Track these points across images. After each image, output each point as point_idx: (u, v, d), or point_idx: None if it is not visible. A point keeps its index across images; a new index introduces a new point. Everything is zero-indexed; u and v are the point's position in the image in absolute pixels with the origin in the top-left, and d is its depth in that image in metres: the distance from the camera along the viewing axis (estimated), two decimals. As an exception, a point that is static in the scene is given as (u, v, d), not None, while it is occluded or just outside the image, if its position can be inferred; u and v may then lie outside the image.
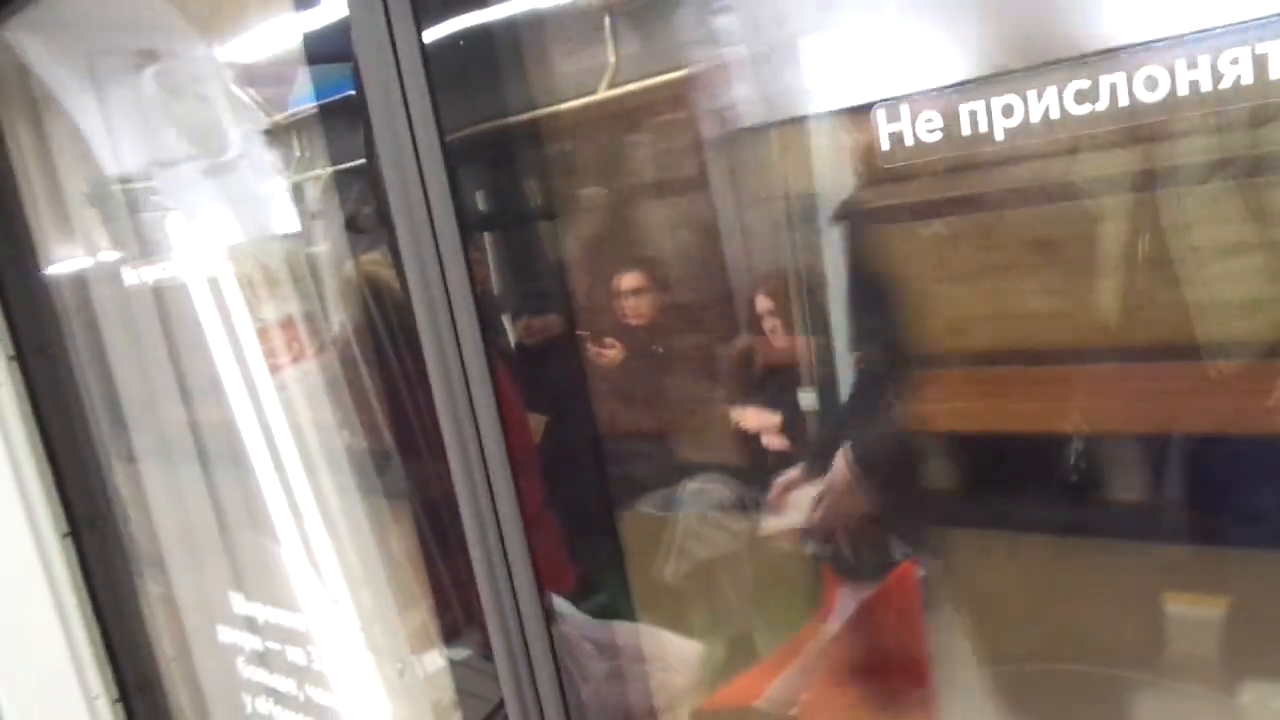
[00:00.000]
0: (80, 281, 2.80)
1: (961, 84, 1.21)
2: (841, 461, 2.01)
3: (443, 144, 1.32)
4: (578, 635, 1.81)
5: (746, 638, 2.23)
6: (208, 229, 2.47)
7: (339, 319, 2.62)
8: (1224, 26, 1.04)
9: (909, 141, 1.23)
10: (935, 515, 2.14)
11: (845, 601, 2.05)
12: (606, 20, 2.10)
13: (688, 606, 2.29)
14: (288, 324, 2.69)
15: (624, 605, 1.94)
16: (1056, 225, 1.92)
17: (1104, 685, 1.89)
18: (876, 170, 1.50)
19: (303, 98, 2.49)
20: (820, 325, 2.15)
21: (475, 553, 1.48)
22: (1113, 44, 1.12)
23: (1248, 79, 1.03)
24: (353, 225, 2.78)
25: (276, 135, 2.60)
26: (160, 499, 2.82)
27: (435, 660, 2.42)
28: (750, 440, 2.35)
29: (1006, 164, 1.50)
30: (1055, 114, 1.15)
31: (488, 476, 1.42)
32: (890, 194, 1.79)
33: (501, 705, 1.56)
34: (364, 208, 2.50)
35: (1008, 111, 1.18)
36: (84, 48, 2.61)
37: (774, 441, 2.31)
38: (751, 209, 2.11)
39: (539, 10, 1.68)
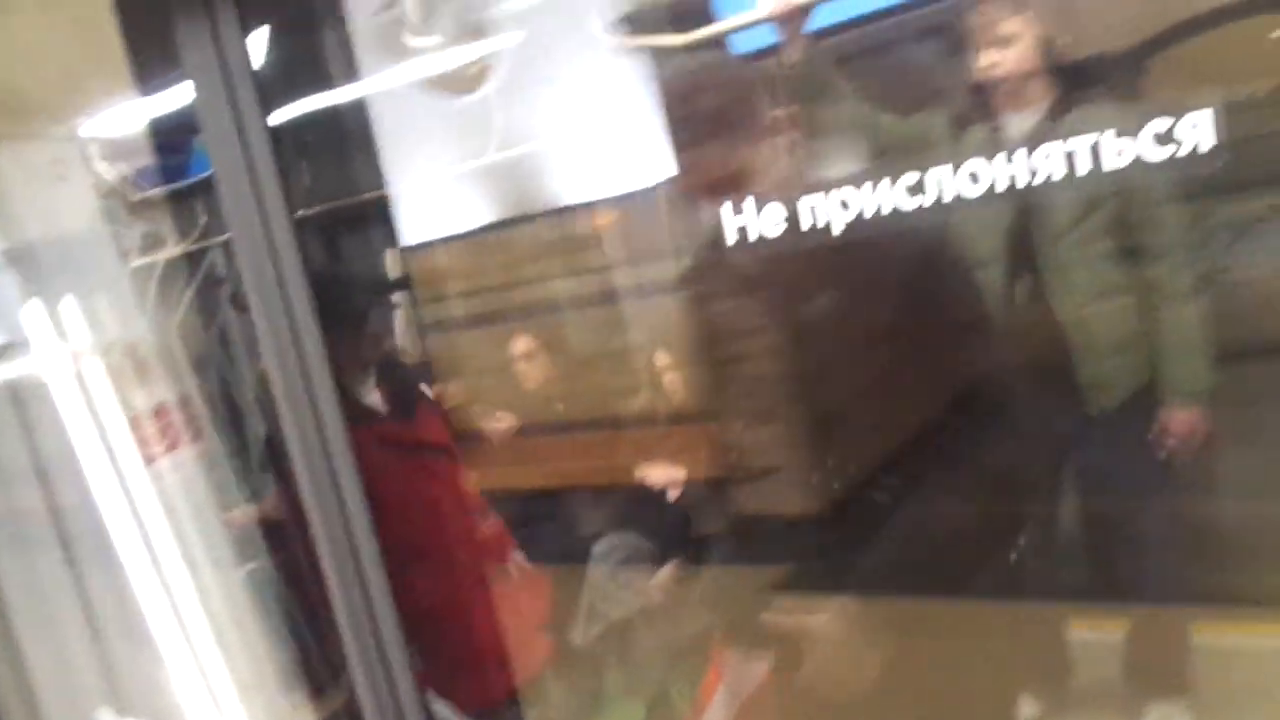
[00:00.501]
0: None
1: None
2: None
3: (291, 219, 1.30)
4: None
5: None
6: (68, 314, 2.36)
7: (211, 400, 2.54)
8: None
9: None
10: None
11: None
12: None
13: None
14: (161, 411, 2.58)
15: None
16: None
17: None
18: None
19: (161, 176, 2.44)
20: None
21: (351, 649, 1.43)
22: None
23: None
24: (235, 302, 2.72)
25: (140, 213, 2.53)
26: (21, 605, 2.65)
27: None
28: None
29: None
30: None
31: (357, 560, 1.37)
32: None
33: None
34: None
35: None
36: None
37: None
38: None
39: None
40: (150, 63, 1.59)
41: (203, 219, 2.59)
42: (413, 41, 2.42)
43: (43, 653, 2.65)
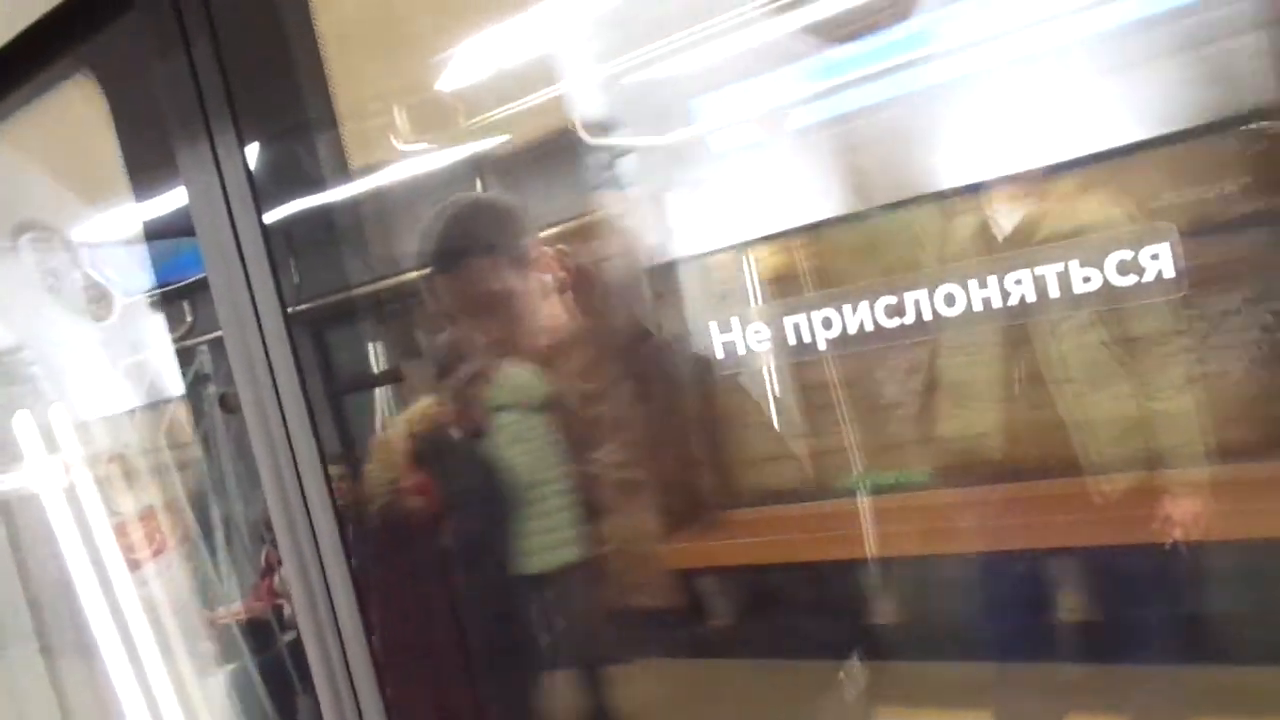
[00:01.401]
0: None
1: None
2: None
3: (285, 318, 1.32)
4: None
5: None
6: (58, 423, 2.36)
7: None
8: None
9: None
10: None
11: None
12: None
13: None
14: (147, 515, 2.56)
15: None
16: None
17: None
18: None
19: (156, 277, 2.47)
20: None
21: None
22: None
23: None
24: (224, 404, 2.72)
25: (129, 315, 2.55)
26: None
27: None
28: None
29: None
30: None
31: (345, 659, 1.35)
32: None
33: None
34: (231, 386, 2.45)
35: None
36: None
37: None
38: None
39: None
40: (144, 172, 1.64)
41: (189, 320, 2.62)
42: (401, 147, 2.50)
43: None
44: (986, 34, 1.99)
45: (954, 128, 2.06)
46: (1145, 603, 2.13)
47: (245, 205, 1.33)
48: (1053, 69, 1.94)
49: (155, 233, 1.88)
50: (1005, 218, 1.98)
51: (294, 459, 1.33)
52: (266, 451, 1.35)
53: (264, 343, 1.33)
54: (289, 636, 2.58)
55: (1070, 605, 2.25)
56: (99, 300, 2.69)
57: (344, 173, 1.44)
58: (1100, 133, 2.00)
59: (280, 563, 2.70)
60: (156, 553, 2.54)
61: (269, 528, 2.72)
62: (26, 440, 2.28)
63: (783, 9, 1.98)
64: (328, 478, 1.31)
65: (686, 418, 1.54)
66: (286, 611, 2.64)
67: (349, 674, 1.34)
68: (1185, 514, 2.02)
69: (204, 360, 2.78)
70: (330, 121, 1.39)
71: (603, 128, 2.44)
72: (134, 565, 2.42)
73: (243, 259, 1.34)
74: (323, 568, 1.33)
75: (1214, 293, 2.47)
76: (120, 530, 2.41)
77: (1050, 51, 1.93)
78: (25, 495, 2.34)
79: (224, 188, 1.34)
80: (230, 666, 2.47)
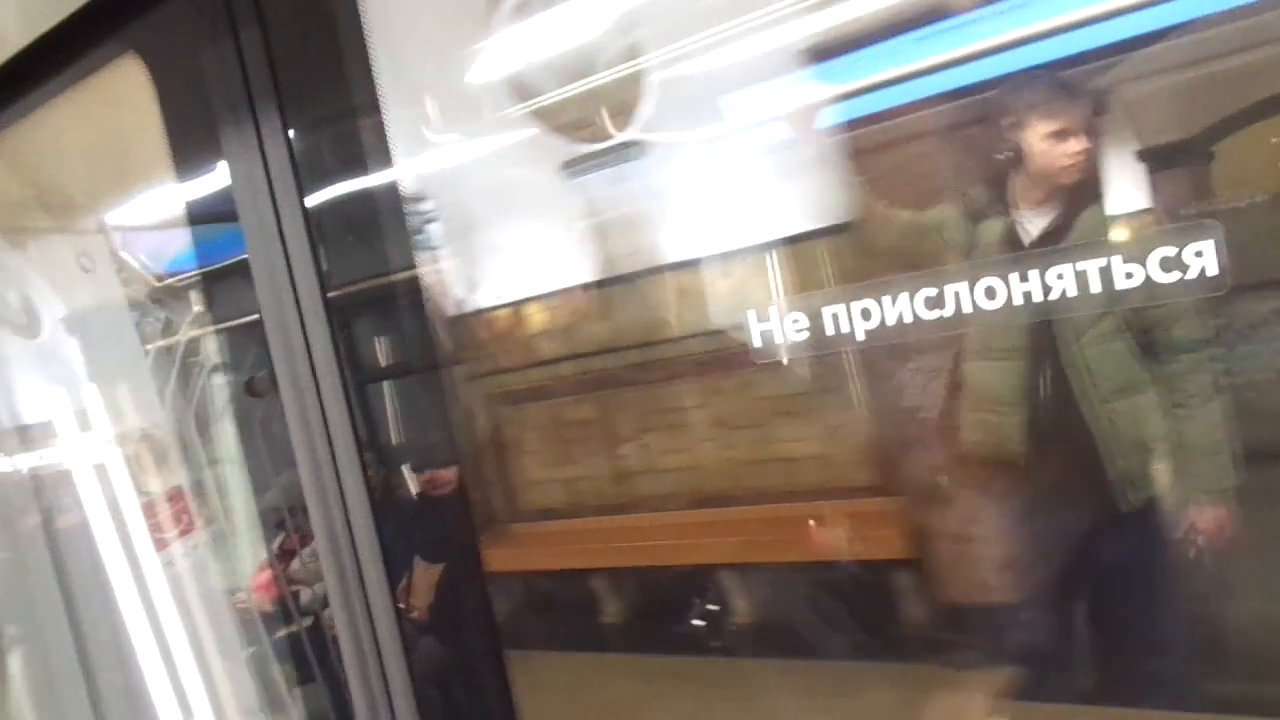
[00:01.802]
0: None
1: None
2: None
3: (325, 301, 1.33)
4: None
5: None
6: (88, 402, 2.38)
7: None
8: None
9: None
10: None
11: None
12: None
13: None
14: (175, 495, 2.58)
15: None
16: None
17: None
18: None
19: (190, 260, 2.49)
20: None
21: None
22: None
23: None
24: (250, 389, 2.74)
25: (162, 299, 2.58)
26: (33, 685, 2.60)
27: None
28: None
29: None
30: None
31: (377, 646, 1.36)
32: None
33: None
34: (258, 371, 2.47)
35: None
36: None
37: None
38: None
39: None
40: (188, 154, 1.65)
41: (222, 305, 2.64)
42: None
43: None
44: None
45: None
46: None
47: (287, 188, 1.34)
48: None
49: (197, 216, 1.89)
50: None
51: (329, 441, 1.34)
52: (303, 434, 1.36)
53: (303, 325, 1.34)
54: (292, 627, 2.61)
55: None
56: (133, 283, 2.71)
57: (385, 159, 1.45)
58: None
59: (292, 552, 2.73)
60: (183, 533, 2.56)
61: (281, 519, 2.75)
62: (60, 418, 2.31)
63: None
64: (363, 460, 1.32)
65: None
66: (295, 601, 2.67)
67: (379, 656, 1.35)
68: None
69: (221, 347, 2.80)
70: (374, 108, 1.40)
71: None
72: (161, 544, 2.45)
73: (284, 242, 1.35)
74: (355, 550, 1.34)
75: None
76: (149, 509, 2.44)
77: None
78: (59, 472, 2.37)
79: (267, 171, 1.35)
80: (253, 648, 2.49)
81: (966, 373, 2.21)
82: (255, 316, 1.49)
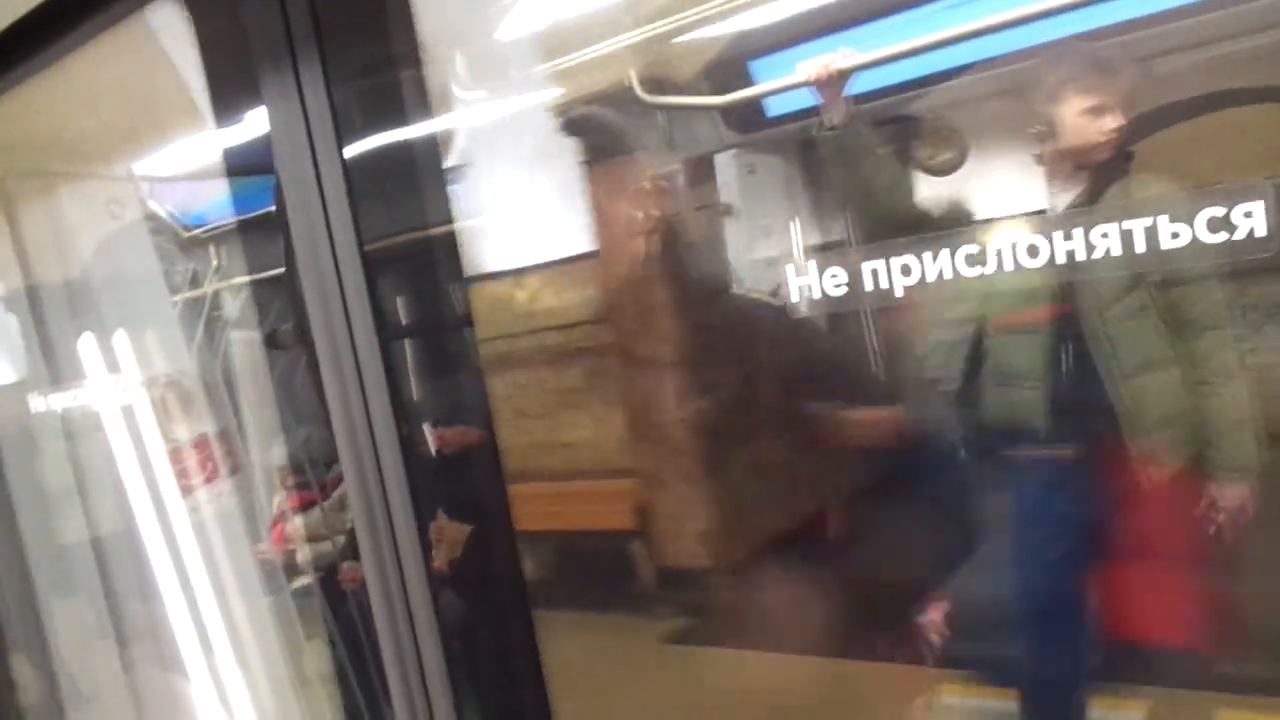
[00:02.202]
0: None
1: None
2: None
3: (362, 255, 1.33)
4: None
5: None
6: (119, 348, 2.40)
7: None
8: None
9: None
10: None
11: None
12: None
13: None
14: (202, 443, 2.61)
15: None
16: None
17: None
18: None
19: (219, 212, 2.49)
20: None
21: (394, 684, 1.42)
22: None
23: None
24: (271, 341, 2.75)
25: (190, 249, 2.58)
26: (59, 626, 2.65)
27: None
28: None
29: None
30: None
31: (406, 598, 1.37)
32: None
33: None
34: (282, 324, 2.47)
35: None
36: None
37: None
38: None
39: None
40: (223, 99, 1.64)
41: (252, 257, 2.64)
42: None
43: (76, 672, 2.64)
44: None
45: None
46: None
47: (327, 139, 1.33)
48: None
49: (232, 166, 1.88)
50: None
51: (364, 395, 1.34)
52: (337, 387, 1.37)
53: (339, 279, 1.34)
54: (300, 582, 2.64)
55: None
56: (161, 232, 2.72)
57: (425, 111, 1.43)
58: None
59: (313, 503, 2.75)
60: (209, 480, 2.59)
61: (292, 473, 2.76)
62: (90, 363, 2.33)
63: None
64: (397, 415, 1.32)
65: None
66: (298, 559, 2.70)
67: (408, 607, 1.36)
68: None
69: (249, 299, 2.80)
70: (415, 59, 1.38)
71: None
72: (187, 490, 2.48)
73: (322, 193, 1.34)
74: (387, 504, 1.35)
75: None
76: (175, 455, 2.46)
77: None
78: (91, 425, 2.39)
79: (307, 120, 1.33)
80: (276, 595, 2.53)
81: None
82: (281, 270, 1.48)
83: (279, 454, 2.81)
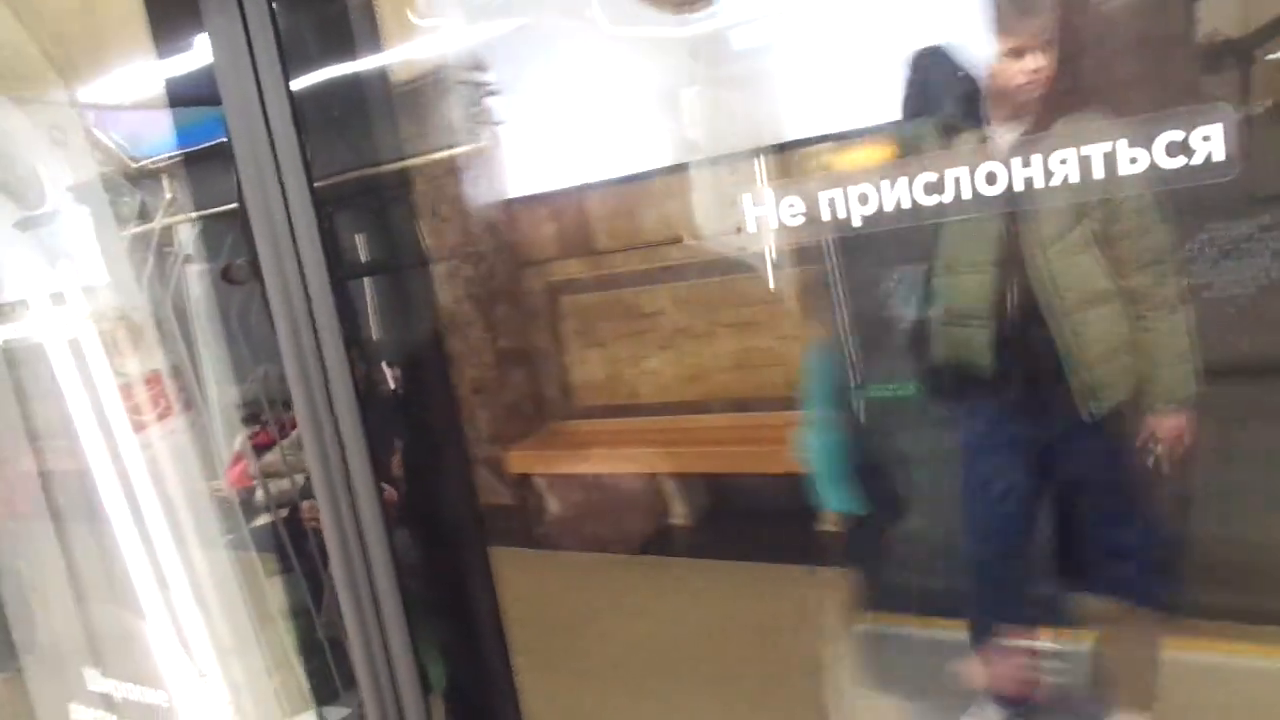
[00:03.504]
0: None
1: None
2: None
3: (312, 190, 1.30)
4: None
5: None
6: (63, 280, 2.34)
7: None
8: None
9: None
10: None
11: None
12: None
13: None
14: (153, 379, 2.57)
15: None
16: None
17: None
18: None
19: (168, 142, 2.41)
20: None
21: (348, 610, 1.43)
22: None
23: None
24: (226, 276, 2.70)
25: (139, 181, 2.51)
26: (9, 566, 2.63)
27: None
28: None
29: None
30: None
31: (359, 528, 1.37)
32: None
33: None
34: (236, 259, 2.42)
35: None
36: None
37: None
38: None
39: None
40: (164, 25, 1.58)
41: (202, 189, 2.58)
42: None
43: (31, 613, 2.63)
44: None
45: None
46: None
47: (272, 69, 1.29)
48: None
49: (177, 96, 1.82)
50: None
51: (315, 333, 1.33)
52: (288, 324, 1.35)
53: (288, 213, 1.31)
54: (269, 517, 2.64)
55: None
56: (108, 162, 2.64)
57: (375, 42, 1.39)
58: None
59: (271, 443, 2.73)
60: (161, 416, 2.55)
61: (259, 409, 2.74)
62: (37, 294, 2.27)
63: None
64: (350, 353, 1.31)
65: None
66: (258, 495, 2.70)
67: (364, 551, 1.37)
68: None
69: (200, 232, 2.74)
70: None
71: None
72: (139, 426, 2.44)
73: (268, 125, 1.31)
74: (341, 444, 1.34)
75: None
76: (126, 391, 2.43)
77: None
78: (37, 358, 2.34)
79: (251, 49, 1.29)
80: (232, 535, 2.52)
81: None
82: (234, 204, 1.45)
83: (235, 392, 2.78)
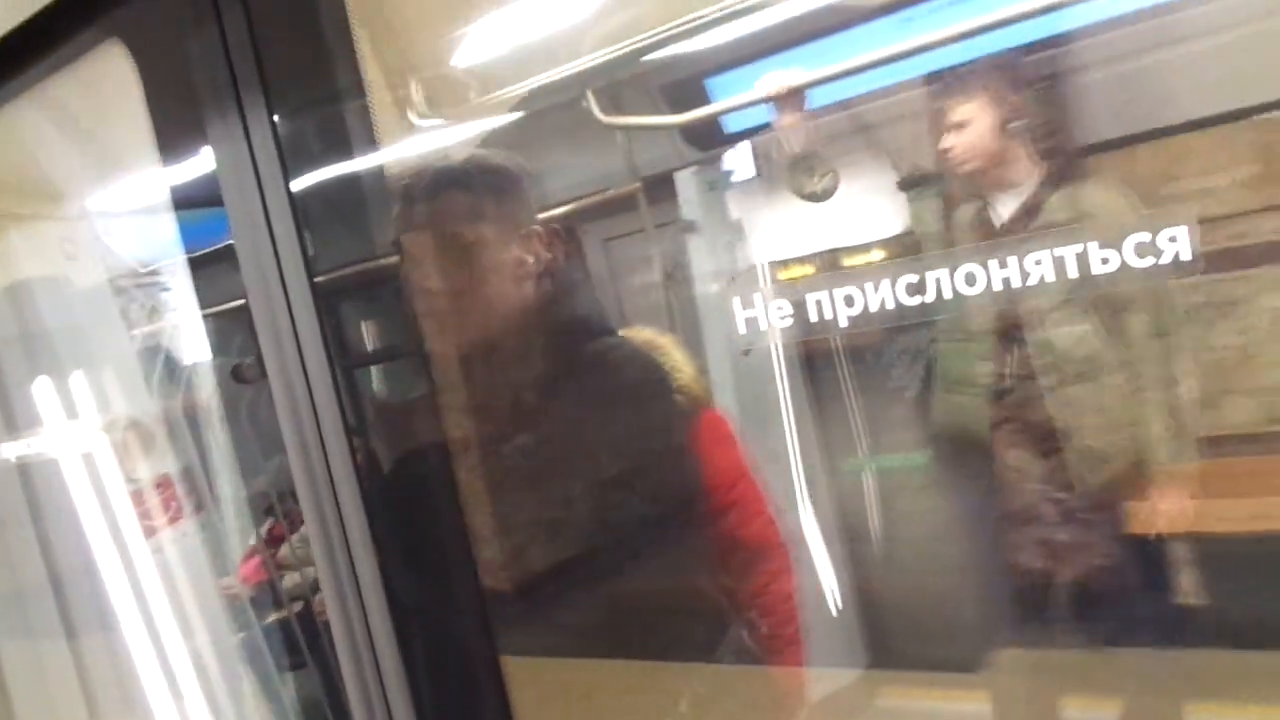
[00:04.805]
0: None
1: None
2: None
3: (313, 286, 1.34)
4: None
5: None
6: (77, 390, 2.38)
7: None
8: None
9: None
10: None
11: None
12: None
13: None
14: (164, 483, 2.58)
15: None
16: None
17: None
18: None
19: (173, 249, 2.48)
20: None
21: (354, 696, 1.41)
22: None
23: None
24: (237, 375, 2.73)
25: (149, 286, 2.56)
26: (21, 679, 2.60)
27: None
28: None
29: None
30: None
31: (368, 628, 1.37)
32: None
33: None
34: (246, 358, 2.46)
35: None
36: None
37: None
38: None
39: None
40: (170, 141, 1.65)
41: (208, 291, 2.63)
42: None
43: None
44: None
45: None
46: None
47: (273, 173, 1.34)
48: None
49: (181, 202, 1.88)
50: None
51: (319, 427, 1.34)
52: (291, 419, 1.37)
53: (290, 311, 1.35)
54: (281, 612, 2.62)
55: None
56: (117, 271, 2.70)
57: (371, 144, 1.45)
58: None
59: (281, 538, 2.73)
60: (172, 520, 2.56)
61: (269, 505, 2.74)
62: (46, 406, 2.30)
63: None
64: (352, 446, 1.33)
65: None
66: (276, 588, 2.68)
67: (371, 641, 1.36)
68: None
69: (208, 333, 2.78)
70: (358, 92, 1.40)
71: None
72: (150, 532, 2.45)
73: (270, 227, 1.35)
74: (345, 535, 1.35)
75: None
76: (137, 497, 2.44)
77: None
78: (49, 471, 2.37)
79: (253, 156, 1.35)
80: (243, 634, 2.50)
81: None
82: (241, 302, 1.49)
83: (245, 490, 2.79)
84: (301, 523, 2.42)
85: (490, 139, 2.44)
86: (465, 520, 1.47)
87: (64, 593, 2.53)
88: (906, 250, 2.09)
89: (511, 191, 1.57)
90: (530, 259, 1.52)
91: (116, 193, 2.36)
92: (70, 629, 2.51)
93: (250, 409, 2.61)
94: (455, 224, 1.54)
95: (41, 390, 2.35)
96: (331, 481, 1.35)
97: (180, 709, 2.34)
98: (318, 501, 1.36)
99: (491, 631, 1.47)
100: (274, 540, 2.83)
